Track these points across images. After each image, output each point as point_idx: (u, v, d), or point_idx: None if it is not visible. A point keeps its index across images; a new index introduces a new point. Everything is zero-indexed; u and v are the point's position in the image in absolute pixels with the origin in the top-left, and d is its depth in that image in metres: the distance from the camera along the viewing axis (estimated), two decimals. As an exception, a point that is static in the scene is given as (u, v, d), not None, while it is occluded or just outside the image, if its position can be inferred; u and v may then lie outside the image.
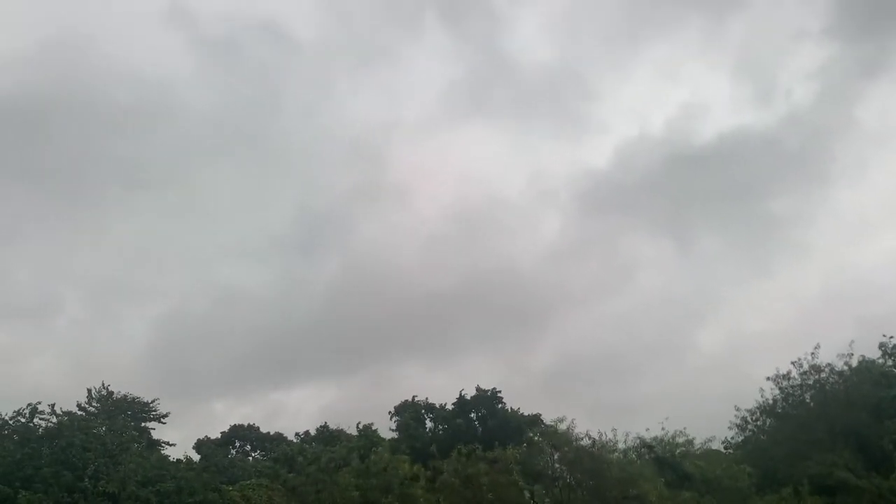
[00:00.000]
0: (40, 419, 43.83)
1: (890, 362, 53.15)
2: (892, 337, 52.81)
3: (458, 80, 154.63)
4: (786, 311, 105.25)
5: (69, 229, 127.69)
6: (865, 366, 52.64)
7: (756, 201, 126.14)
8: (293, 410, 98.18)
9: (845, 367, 51.89)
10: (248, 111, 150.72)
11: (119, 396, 59.33)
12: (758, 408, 53.87)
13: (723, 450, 54.29)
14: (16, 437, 41.15)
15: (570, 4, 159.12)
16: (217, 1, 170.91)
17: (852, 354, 52.16)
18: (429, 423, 64.50)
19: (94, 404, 57.56)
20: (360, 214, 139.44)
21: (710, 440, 52.91)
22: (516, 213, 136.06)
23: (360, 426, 59.41)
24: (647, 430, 50.16)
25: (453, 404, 64.42)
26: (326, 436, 64.37)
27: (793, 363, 52.73)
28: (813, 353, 52.34)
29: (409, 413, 63.99)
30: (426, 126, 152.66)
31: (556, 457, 42.42)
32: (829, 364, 52.13)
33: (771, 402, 53.30)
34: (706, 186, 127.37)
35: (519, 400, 75.37)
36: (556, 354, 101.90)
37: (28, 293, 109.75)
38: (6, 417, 43.68)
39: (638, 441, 48.00)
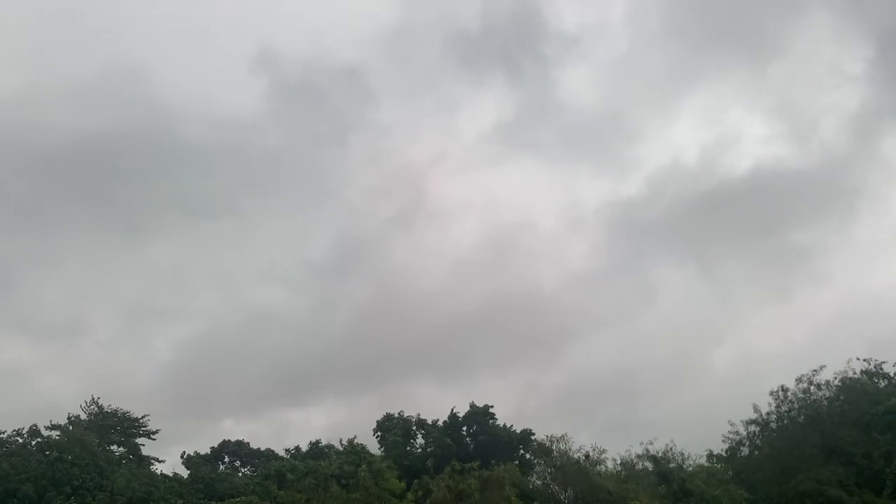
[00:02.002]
0: (41, 440, 43.31)
1: (883, 382, 53.65)
2: (866, 360, 54.16)
3: (506, 120, 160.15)
4: (800, 333, 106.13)
5: (111, 253, 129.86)
6: (854, 383, 52.98)
7: (781, 232, 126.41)
8: (302, 428, 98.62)
9: (839, 385, 52.23)
10: (311, 148, 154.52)
11: (109, 411, 58.80)
12: (751, 422, 53.87)
13: (709, 463, 54.02)
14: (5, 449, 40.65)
15: (618, 54, 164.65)
16: (301, 47, 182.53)
17: (848, 373, 52.78)
18: (420, 440, 64.19)
19: (83, 418, 56.97)
20: (396, 241, 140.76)
21: (705, 455, 52.87)
22: (546, 241, 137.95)
23: (342, 441, 58.83)
24: (643, 443, 49.78)
25: (445, 421, 64.08)
26: (315, 452, 63.85)
27: (796, 380, 53.02)
28: (815, 372, 52.65)
29: (397, 429, 63.59)
30: (470, 160, 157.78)
31: (548, 472, 42.18)
32: (826, 381, 52.49)
33: (765, 416, 53.40)
34: (733, 217, 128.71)
35: (533, 419, 76.13)
36: (574, 374, 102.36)
37: (57, 313, 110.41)
38: (4, 436, 43.10)
39: (644, 452, 47.46)
